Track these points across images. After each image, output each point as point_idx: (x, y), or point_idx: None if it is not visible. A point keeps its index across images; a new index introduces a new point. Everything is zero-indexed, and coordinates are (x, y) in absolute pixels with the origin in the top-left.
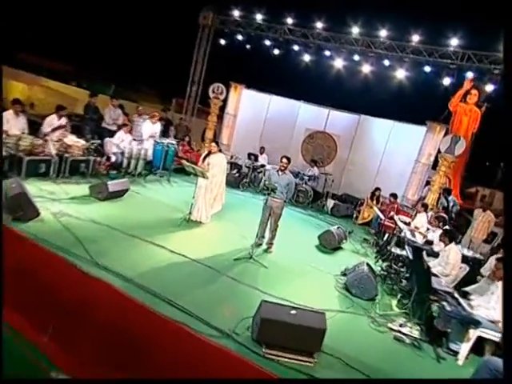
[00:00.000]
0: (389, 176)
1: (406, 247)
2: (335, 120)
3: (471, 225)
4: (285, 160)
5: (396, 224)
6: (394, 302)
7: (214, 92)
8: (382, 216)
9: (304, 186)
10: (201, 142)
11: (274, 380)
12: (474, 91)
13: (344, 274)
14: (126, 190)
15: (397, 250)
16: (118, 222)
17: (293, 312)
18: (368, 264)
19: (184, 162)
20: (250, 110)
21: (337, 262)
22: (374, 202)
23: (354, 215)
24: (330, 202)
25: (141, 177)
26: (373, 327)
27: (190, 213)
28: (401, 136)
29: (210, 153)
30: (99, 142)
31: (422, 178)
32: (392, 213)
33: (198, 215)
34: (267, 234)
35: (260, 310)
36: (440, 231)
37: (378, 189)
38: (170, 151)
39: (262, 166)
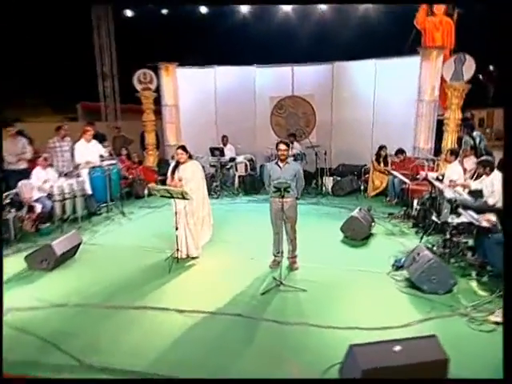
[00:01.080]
0: (388, 128)
1: (462, 211)
2: (303, 78)
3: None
4: (283, 146)
5: (432, 185)
6: (474, 284)
7: (140, 82)
8: (406, 180)
9: None
10: (142, 152)
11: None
12: None
13: (398, 268)
14: (79, 245)
15: (453, 219)
16: (88, 294)
17: (397, 348)
18: (428, 247)
19: (152, 185)
20: (193, 93)
21: (378, 255)
22: (382, 164)
23: (362, 187)
24: (329, 180)
25: (85, 221)
26: (474, 328)
27: (178, 249)
28: (390, 75)
29: (178, 163)
30: (11, 191)
31: (431, 119)
32: (423, 173)
33: (187, 250)
34: (285, 247)
35: (354, 359)
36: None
37: (382, 147)
38: (114, 175)
39: (232, 159)
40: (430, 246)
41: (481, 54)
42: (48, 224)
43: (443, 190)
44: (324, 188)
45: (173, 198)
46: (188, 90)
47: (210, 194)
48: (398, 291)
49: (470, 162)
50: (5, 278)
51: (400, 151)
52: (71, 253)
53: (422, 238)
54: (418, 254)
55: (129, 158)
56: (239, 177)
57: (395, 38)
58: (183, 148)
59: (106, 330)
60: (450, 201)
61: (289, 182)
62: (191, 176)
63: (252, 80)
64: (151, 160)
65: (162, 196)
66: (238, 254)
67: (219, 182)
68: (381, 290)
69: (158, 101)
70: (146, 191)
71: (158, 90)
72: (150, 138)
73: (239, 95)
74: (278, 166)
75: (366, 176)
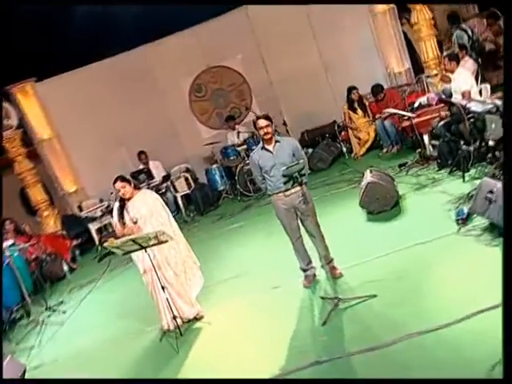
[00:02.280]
0: (344, 64)
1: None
2: (215, 39)
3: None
4: (263, 122)
5: (449, 106)
6: None
7: None
8: (407, 114)
9: (246, 166)
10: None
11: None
12: None
13: (465, 221)
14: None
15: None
16: None
17: None
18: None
19: (111, 241)
20: (72, 111)
21: (428, 217)
22: (360, 112)
23: (345, 150)
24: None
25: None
26: None
27: (175, 317)
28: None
29: (123, 202)
30: None
31: (394, 32)
32: (423, 98)
33: (180, 314)
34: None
35: None
36: None
37: (352, 88)
38: (17, 262)
39: (166, 178)
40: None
41: None
42: None
43: (469, 105)
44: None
45: (144, 248)
46: (64, 110)
47: None
48: (488, 247)
49: (470, 63)
50: None
51: (377, 88)
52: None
53: (464, 176)
54: (491, 191)
55: (17, 231)
56: (182, 197)
57: None
58: (123, 179)
59: None
60: (490, 112)
61: (301, 163)
62: (149, 211)
63: (147, 66)
64: (51, 223)
65: (126, 253)
66: (253, 289)
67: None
68: (466, 255)
69: (27, 140)
70: (65, 267)
71: (21, 124)
72: (37, 194)
73: (136, 91)
74: (267, 150)
75: (343, 134)
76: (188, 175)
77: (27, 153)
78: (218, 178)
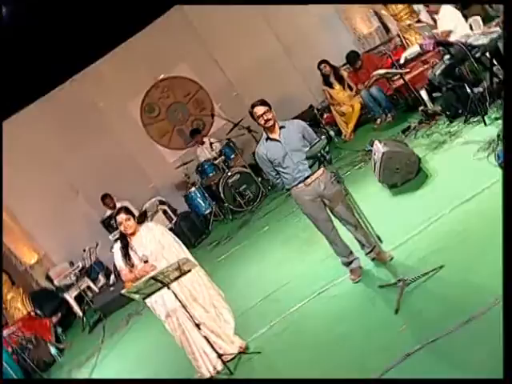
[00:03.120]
0: (308, 40)
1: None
2: (154, 49)
3: None
4: (261, 109)
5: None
6: None
7: None
8: (401, 71)
9: (229, 179)
10: None
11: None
12: None
13: None
14: None
15: None
16: None
17: None
18: None
19: (126, 289)
20: (13, 169)
21: (464, 171)
22: (337, 86)
23: (333, 134)
24: None
25: None
26: None
27: (220, 355)
28: None
29: (125, 240)
30: None
31: None
32: (423, 42)
33: (223, 351)
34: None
35: None
36: None
37: (321, 63)
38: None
39: (142, 216)
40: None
41: None
42: None
43: (470, 40)
44: None
45: (167, 285)
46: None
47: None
48: None
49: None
50: None
51: (352, 56)
52: None
53: (484, 120)
54: None
55: None
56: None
57: None
58: (127, 210)
59: None
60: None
61: (293, 156)
62: (158, 245)
63: (87, 98)
64: (18, 305)
65: (146, 297)
66: (293, 303)
67: None
68: None
69: None
70: (52, 350)
71: None
72: None
73: (81, 129)
74: (273, 139)
75: (326, 117)
76: (165, 207)
77: None
78: (200, 201)
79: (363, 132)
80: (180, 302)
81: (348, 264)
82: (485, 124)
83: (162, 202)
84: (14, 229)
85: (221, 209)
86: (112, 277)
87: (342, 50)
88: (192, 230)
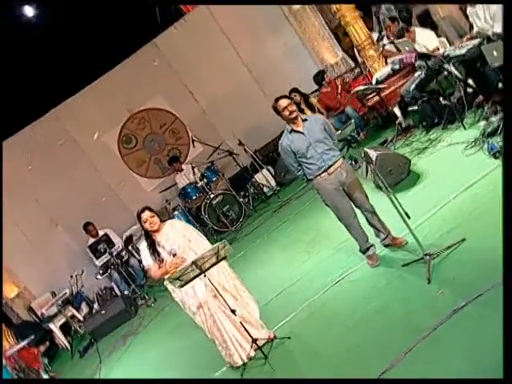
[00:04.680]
0: (276, 73)
1: None
2: (129, 83)
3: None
4: (284, 102)
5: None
6: None
7: None
8: (380, 86)
9: (213, 200)
10: None
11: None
12: None
13: (499, 153)
14: None
15: None
16: None
17: None
18: None
19: (169, 275)
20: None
21: (457, 165)
22: (308, 112)
23: None
24: (263, 175)
25: None
26: None
27: (254, 340)
28: (233, 11)
29: (151, 238)
30: None
31: (317, 23)
32: (403, 55)
33: (254, 337)
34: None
35: None
36: None
37: (291, 92)
38: None
39: (128, 240)
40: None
41: None
42: None
43: (447, 52)
44: (268, 185)
45: (204, 272)
46: None
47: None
48: None
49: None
50: None
51: (319, 76)
52: None
53: (463, 125)
54: None
55: None
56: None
57: None
58: (150, 209)
59: None
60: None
61: (315, 147)
62: (184, 238)
63: (63, 130)
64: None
65: (184, 285)
66: (314, 292)
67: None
68: None
69: None
70: (44, 376)
71: None
72: None
73: (59, 161)
74: (297, 131)
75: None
76: None
77: None
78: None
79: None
80: (216, 289)
81: (366, 250)
82: (464, 128)
83: None
84: None
85: (205, 230)
86: (95, 305)
87: (309, 77)
88: None
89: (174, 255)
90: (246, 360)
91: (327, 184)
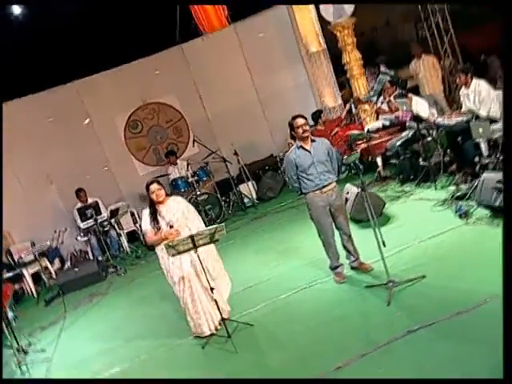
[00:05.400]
0: (280, 101)
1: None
2: (150, 76)
3: (420, 83)
4: (301, 120)
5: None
6: None
7: None
8: (372, 135)
9: (198, 197)
10: None
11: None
12: None
13: (466, 215)
14: None
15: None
16: None
17: None
18: None
19: (166, 242)
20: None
21: (425, 217)
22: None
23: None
24: (246, 187)
25: None
26: None
27: (224, 319)
28: (257, 37)
29: (154, 208)
30: None
31: (327, 71)
32: (400, 113)
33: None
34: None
35: None
36: None
37: (298, 117)
38: None
39: (114, 212)
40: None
41: None
42: None
43: (438, 120)
44: (246, 199)
45: (196, 248)
46: None
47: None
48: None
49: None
50: None
51: (316, 114)
52: None
53: (435, 186)
54: (499, 181)
55: None
56: (129, 234)
57: None
58: (158, 182)
59: None
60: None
61: (317, 167)
62: (183, 215)
63: (80, 102)
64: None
65: (176, 254)
66: (283, 290)
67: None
68: (485, 239)
69: None
70: (9, 313)
71: None
72: None
73: (68, 128)
74: (304, 149)
75: (284, 165)
76: (134, 210)
77: None
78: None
79: None
80: (202, 266)
81: (335, 267)
82: (435, 189)
83: (128, 207)
84: None
85: None
86: (67, 264)
87: (307, 113)
88: None
89: (171, 227)
90: (214, 331)
91: (318, 201)
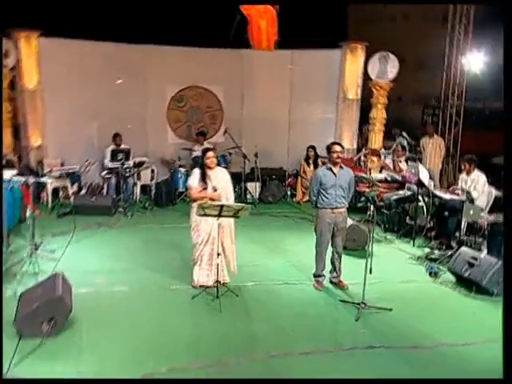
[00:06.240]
0: (306, 126)
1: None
2: (208, 65)
3: (424, 156)
4: (338, 148)
5: (421, 185)
6: None
7: None
8: (374, 182)
9: None
10: None
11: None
12: None
13: (435, 275)
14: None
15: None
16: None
17: None
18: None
19: (202, 202)
20: (64, 76)
21: (401, 264)
22: (312, 167)
23: (288, 193)
24: (252, 186)
25: None
26: None
27: (218, 281)
28: (308, 69)
29: (205, 170)
30: None
31: (354, 118)
32: (407, 174)
33: (218, 277)
34: (328, 266)
35: None
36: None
37: (310, 147)
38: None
39: (140, 164)
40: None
41: None
42: None
43: (435, 191)
44: (249, 195)
45: (220, 216)
46: (54, 70)
47: (117, 212)
48: (462, 296)
49: (404, 162)
50: None
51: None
52: None
53: (414, 243)
54: (475, 258)
55: None
56: (143, 186)
57: (312, 29)
58: (214, 151)
59: None
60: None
61: (337, 190)
62: (224, 185)
63: (143, 62)
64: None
65: (203, 215)
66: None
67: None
68: (445, 300)
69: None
70: (28, 211)
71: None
72: (6, 137)
73: (124, 81)
74: (332, 171)
75: (290, 180)
76: (154, 168)
77: (9, 94)
78: (182, 180)
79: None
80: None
81: (318, 276)
82: (413, 245)
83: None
84: (38, 112)
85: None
86: (83, 191)
87: (323, 145)
88: (167, 194)
89: (215, 190)
90: (211, 284)
91: (327, 217)
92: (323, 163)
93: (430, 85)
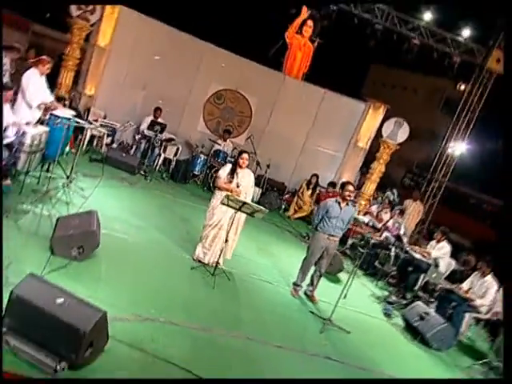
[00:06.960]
0: (316, 156)
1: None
2: (251, 76)
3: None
4: (351, 187)
5: (398, 239)
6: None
7: (80, 8)
8: (375, 226)
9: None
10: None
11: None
12: (309, 22)
13: (389, 316)
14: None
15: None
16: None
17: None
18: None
19: (229, 193)
20: (131, 45)
21: (364, 297)
22: (310, 191)
23: (283, 206)
24: (256, 193)
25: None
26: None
27: (218, 263)
28: (334, 109)
29: (235, 167)
30: None
31: (357, 163)
32: (391, 226)
33: (218, 259)
34: (307, 279)
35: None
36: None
37: (315, 175)
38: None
39: (170, 139)
40: (389, 294)
41: None
42: (9, 181)
43: (408, 249)
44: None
45: (238, 210)
46: (126, 38)
47: (139, 173)
48: (407, 341)
49: (388, 215)
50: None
51: (331, 184)
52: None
53: (377, 283)
54: (427, 313)
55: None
56: (165, 159)
57: (346, 77)
58: (248, 154)
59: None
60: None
61: (337, 222)
62: (248, 185)
63: (200, 56)
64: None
65: (224, 204)
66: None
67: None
68: (393, 338)
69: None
70: (67, 147)
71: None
72: (67, 79)
73: (180, 67)
74: (339, 205)
75: (287, 196)
76: (180, 147)
77: (81, 46)
78: (199, 165)
79: (299, 223)
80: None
81: (297, 285)
82: (376, 285)
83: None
84: (100, 67)
85: (204, 179)
86: (115, 145)
87: (326, 178)
88: (183, 172)
89: (238, 186)
90: (210, 263)
91: (321, 241)
92: (321, 192)
93: (415, 153)
